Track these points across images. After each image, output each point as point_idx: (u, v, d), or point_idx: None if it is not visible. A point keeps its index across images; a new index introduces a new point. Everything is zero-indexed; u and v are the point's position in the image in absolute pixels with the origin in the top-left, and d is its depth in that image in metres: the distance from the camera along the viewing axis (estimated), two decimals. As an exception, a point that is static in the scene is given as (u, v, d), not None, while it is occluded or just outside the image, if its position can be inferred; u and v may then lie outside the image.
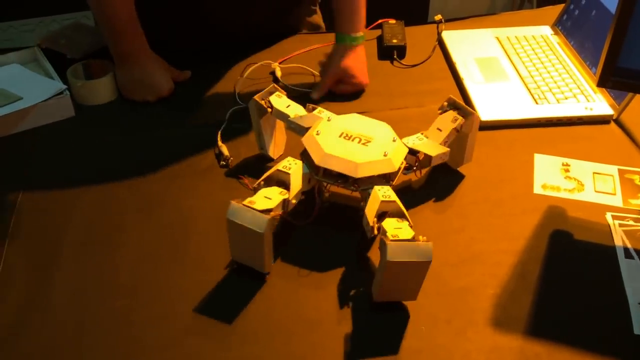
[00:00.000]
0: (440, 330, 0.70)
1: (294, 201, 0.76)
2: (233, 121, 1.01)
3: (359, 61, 1.08)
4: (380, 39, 1.22)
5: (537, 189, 0.88)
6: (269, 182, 0.77)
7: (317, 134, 0.80)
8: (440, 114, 0.86)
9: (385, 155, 0.77)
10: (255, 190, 0.75)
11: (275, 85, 0.89)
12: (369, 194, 0.75)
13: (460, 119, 0.83)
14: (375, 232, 0.71)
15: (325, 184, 0.81)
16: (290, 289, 0.74)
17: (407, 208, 0.82)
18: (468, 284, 0.75)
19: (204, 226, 0.82)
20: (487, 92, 1.06)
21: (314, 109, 0.86)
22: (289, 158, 0.79)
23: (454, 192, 0.88)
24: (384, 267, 0.66)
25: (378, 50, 1.21)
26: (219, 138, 0.96)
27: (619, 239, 0.80)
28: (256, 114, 0.88)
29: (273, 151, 0.92)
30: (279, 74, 1.11)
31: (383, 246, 0.66)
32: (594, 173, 0.91)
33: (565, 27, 1.20)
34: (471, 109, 0.84)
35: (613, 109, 1.02)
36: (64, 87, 1.01)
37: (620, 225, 0.82)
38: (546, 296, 0.73)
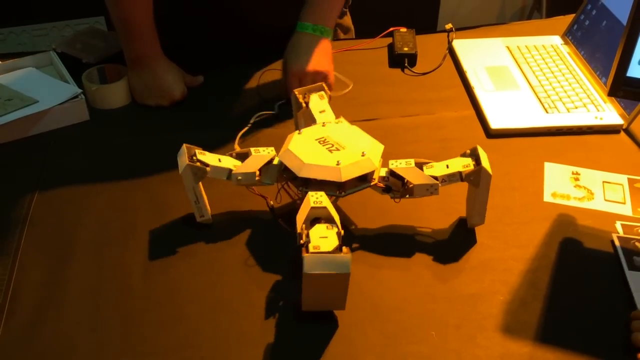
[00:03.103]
0: (450, 335, 0.70)
1: (240, 178, 0.79)
2: (255, 123, 1.02)
3: (323, 55, 1.02)
4: (391, 47, 1.23)
5: (547, 197, 0.88)
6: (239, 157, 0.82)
7: (299, 133, 0.81)
8: (461, 156, 0.81)
9: (337, 164, 0.75)
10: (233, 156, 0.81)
11: (324, 85, 0.91)
12: None
13: (471, 168, 0.77)
14: (304, 238, 0.68)
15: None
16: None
17: (417, 214, 0.83)
18: (478, 290, 0.75)
19: (215, 228, 0.83)
20: (497, 101, 1.07)
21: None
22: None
23: (463, 198, 0.88)
24: (302, 279, 0.66)
25: (389, 58, 1.22)
26: (236, 142, 0.97)
27: (627, 250, 0.80)
28: (295, 107, 0.91)
29: None
30: None
31: (301, 258, 0.66)
32: (603, 182, 0.91)
33: (575, 37, 1.21)
34: (485, 166, 0.76)
35: (623, 118, 1.02)
36: (79, 91, 1.03)
37: (629, 233, 0.82)
38: (556, 303, 0.73)
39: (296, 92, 0.90)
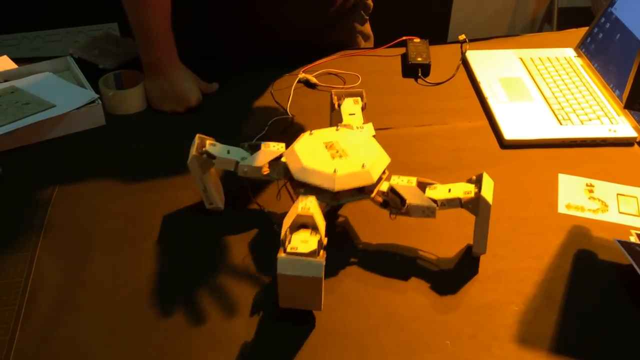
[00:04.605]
0: (464, 345, 0.70)
1: (245, 170, 0.80)
2: (271, 129, 1.03)
3: None
4: (404, 57, 1.24)
5: (562, 209, 0.88)
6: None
7: (310, 134, 0.82)
8: (467, 181, 0.79)
9: (334, 172, 0.75)
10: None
11: (363, 91, 0.92)
12: None
13: (471, 195, 0.75)
14: (287, 244, 0.69)
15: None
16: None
17: (431, 224, 0.83)
18: (492, 300, 0.75)
19: (232, 234, 0.84)
20: (511, 112, 1.07)
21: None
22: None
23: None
24: (277, 278, 0.68)
25: (402, 68, 1.23)
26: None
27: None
28: (331, 107, 0.93)
29: None
30: (314, 81, 1.14)
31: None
32: (617, 194, 0.91)
33: (588, 49, 1.21)
34: (484, 195, 0.74)
35: (637, 131, 1.02)
36: (96, 96, 1.04)
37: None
38: (571, 315, 0.73)
39: (333, 93, 0.92)
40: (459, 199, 0.76)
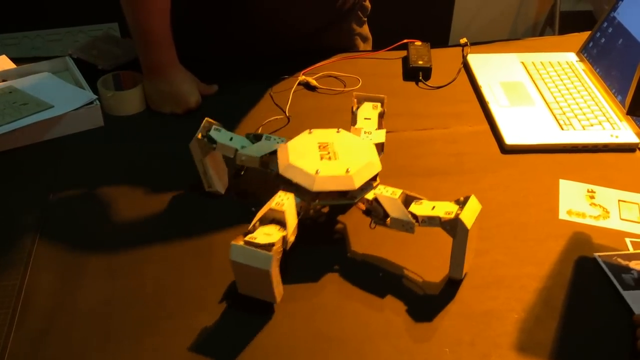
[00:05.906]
0: (464, 352, 0.69)
1: (243, 158, 0.82)
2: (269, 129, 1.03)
3: None
4: (405, 60, 1.23)
5: (563, 215, 0.88)
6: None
7: (310, 133, 0.82)
8: (454, 202, 0.76)
9: (316, 172, 0.75)
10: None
11: (385, 97, 0.92)
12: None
13: (452, 216, 0.72)
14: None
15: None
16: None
17: (432, 229, 0.82)
18: (492, 307, 0.75)
19: (229, 237, 0.83)
20: (512, 116, 1.06)
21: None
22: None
23: (479, 214, 0.87)
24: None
25: (403, 71, 1.22)
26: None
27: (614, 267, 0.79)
28: (352, 111, 0.93)
29: None
30: (314, 83, 1.14)
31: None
32: (619, 201, 0.91)
33: (590, 54, 1.21)
34: (463, 218, 0.71)
35: (639, 137, 1.01)
36: (95, 97, 1.03)
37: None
38: (571, 322, 0.72)
39: (354, 96, 0.92)
40: (439, 218, 0.73)
